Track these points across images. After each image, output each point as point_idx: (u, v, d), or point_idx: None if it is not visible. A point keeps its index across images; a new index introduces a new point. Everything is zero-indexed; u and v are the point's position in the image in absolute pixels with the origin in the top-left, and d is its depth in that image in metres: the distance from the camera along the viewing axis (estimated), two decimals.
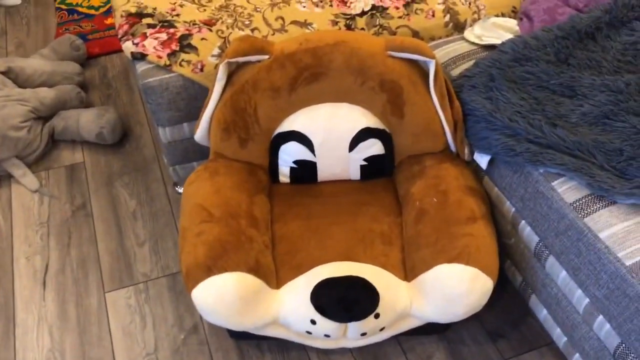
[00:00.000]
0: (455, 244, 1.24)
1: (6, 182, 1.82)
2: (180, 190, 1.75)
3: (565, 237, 1.18)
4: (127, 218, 1.70)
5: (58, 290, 1.53)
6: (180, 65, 1.46)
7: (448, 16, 1.67)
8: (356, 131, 1.39)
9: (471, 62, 1.47)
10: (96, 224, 1.69)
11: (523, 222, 1.30)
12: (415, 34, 1.65)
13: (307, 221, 1.36)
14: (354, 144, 1.40)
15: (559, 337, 1.31)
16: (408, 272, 1.28)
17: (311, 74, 1.32)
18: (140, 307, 1.49)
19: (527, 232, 1.30)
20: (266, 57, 1.32)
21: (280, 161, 1.43)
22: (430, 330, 1.42)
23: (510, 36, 1.50)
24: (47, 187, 1.80)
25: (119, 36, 1.57)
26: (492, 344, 1.42)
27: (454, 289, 1.21)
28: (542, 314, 1.34)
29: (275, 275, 1.27)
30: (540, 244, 1.27)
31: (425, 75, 1.37)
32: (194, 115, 1.53)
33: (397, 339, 1.42)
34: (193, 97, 1.49)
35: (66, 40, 2.18)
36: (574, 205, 1.16)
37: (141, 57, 1.47)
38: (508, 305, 1.47)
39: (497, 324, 1.45)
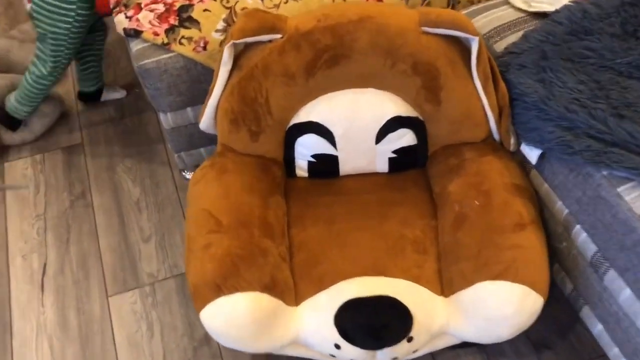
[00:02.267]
0: (500, 258, 1.07)
1: None
2: (188, 176, 1.58)
3: (632, 253, 1.00)
4: (131, 208, 1.55)
5: (57, 294, 1.41)
6: (180, 43, 1.27)
7: None
8: (384, 121, 1.20)
9: (519, 34, 1.25)
10: (97, 215, 1.55)
11: (578, 226, 1.13)
12: None
13: (328, 225, 1.20)
14: (381, 135, 1.21)
15: (617, 357, 1.15)
16: (445, 285, 1.12)
17: (331, 57, 1.12)
18: (147, 314, 1.36)
19: (583, 239, 1.12)
20: (278, 36, 1.12)
21: (296, 154, 1.26)
22: (467, 343, 1.28)
23: (565, 1, 1.27)
24: (38, 175, 1.65)
25: (111, 6, 1.37)
26: (536, 356, 1.27)
27: (499, 310, 1.05)
28: (597, 328, 1.18)
29: (293, 290, 1.12)
30: (599, 254, 1.09)
31: (465, 53, 1.16)
32: (198, 99, 1.35)
33: (432, 352, 1.28)
34: (196, 79, 1.31)
35: None
36: None
37: (135, 34, 1.28)
38: (555, 312, 1.31)
39: (542, 333, 1.30)
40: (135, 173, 1.63)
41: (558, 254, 1.22)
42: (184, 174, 1.59)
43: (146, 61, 1.25)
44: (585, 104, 1.09)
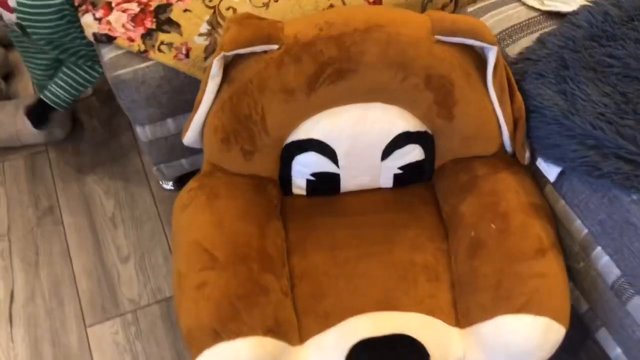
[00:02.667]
0: (521, 289, 0.99)
1: None
2: (167, 186, 1.45)
3: None
4: (105, 225, 1.42)
5: (29, 326, 1.27)
6: (160, 50, 1.12)
7: None
8: (392, 137, 1.09)
9: (532, 37, 1.15)
10: (68, 234, 1.41)
11: (599, 248, 1.05)
12: None
13: (332, 252, 1.10)
14: (388, 151, 1.11)
15: None
16: (461, 316, 1.04)
17: (336, 71, 1.00)
18: (130, 345, 1.24)
19: (605, 262, 1.05)
20: (275, 47, 0.99)
21: (294, 172, 1.14)
22: None
23: (582, 1, 1.17)
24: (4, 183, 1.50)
25: (76, 4, 1.20)
26: None
27: (522, 345, 0.98)
28: (615, 352, 1.12)
29: (297, 328, 1.02)
30: (623, 279, 1.03)
31: (479, 61, 1.06)
32: (180, 110, 1.21)
33: None
34: (178, 89, 1.17)
35: None
36: None
37: (107, 40, 1.12)
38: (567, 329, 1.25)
39: None
40: (108, 184, 1.49)
41: (574, 273, 1.15)
42: (163, 185, 1.46)
43: (121, 72, 1.11)
44: (611, 119, 1.00)
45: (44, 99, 1.43)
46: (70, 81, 1.40)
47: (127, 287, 1.32)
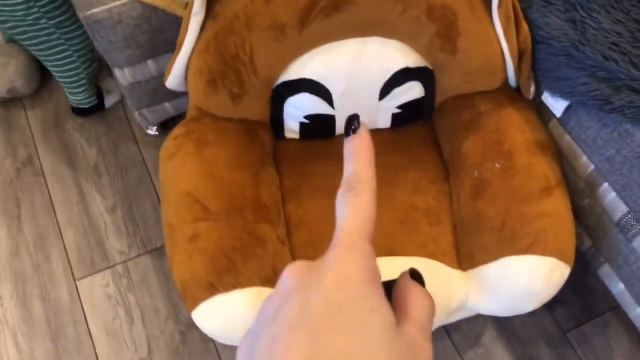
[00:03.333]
0: (528, 229, 0.95)
1: None
2: (151, 131, 1.38)
3: None
4: (89, 174, 1.35)
5: (16, 282, 1.23)
6: None
7: None
8: (390, 74, 1.02)
9: None
10: (50, 184, 1.34)
11: (606, 184, 1.02)
12: None
13: (329, 199, 1.01)
14: (386, 90, 1.04)
15: (639, 317, 1.09)
16: (463, 258, 1.01)
17: (330, 3, 0.92)
18: (123, 298, 1.21)
19: (611, 198, 1.02)
20: None
21: (286, 115, 1.08)
22: None
23: None
24: None
25: None
26: (549, 314, 1.21)
27: (527, 286, 0.95)
28: (618, 288, 1.11)
29: None
30: (630, 215, 0.99)
31: None
32: (160, 50, 1.12)
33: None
34: (157, 28, 1.08)
35: None
36: None
37: None
38: None
39: None
40: (89, 131, 1.41)
41: (577, 210, 1.12)
42: (147, 130, 1.39)
43: (94, 10, 1.01)
44: (625, 49, 0.94)
45: (76, 106, 1.41)
46: (66, 78, 1.33)
47: (115, 238, 1.28)
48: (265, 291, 0.93)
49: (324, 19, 0.93)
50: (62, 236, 1.28)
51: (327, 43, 0.98)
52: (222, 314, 0.92)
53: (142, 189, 1.34)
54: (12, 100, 1.45)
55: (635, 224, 1.00)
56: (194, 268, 0.92)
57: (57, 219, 1.30)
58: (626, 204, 0.99)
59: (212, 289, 0.91)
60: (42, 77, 1.48)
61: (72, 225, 1.29)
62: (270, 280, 0.94)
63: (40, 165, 1.37)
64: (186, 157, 1.01)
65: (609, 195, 1.02)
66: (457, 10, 0.95)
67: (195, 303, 0.92)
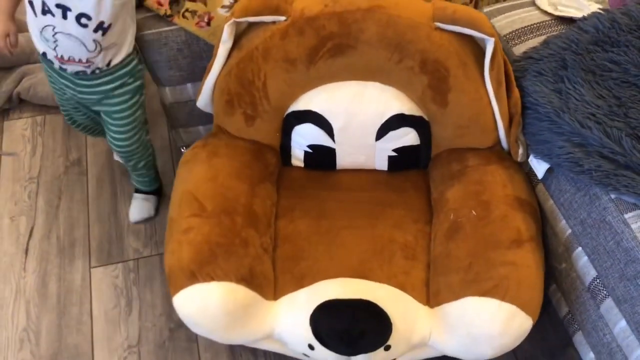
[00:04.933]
0: (491, 274, 1.01)
1: None
2: (184, 150, 1.54)
3: (632, 284, 0.94)
4: (125, 181, 1.52)
5: (41, 260, 1.38)
6: (184, 16, 1.21)
7: None
8: (386, 117, 1.14)
9: (541, 39, 1.18)
10: (90, 184, 1.52)
11: (579, 249, 1.06)
12: None
13: (317, 221, 1.15)
14: (382, 132, 1.15)
15: None
16: (431, 296, 1.07)
17: (336, 45, 1.06)
18: (127, 290, 1.33)
19: (583, 263, 1.06)
20: (282, 18, 1.06)
21: (293, 143, 1.20)
22: (449, 357, 1.23)
23: (594, 8, 1.19)
24: (36, 137, 1.62)
25: None
26: None
27: (484, 328, 1.00)
28: (588, 356, 1.11)
29: (272, 284, 1.07)
30: (598, 280, 1.03)
31: (479, 54, 1.09)
32: (198, 76, 1.29)
33: None
34: (197, 55, 1.26)
35: None
36: None
37: (138, 2, 1.22)
38: (547, 333, 1.25)
39: (531, 353, 1.24)
40: None
41: (557, 274, 1.15)
42: (183, 150, 1.55)
43: (146, 32, 1.21)
44: (600, 120, 1.02)
45: (142, 188, 1.45)
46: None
47: (134, 237, 1.42)
48: (239, 288, 1.02)
49: (329, 59, 1.07)
50: (89, 229, 1.43)
51: (332, 82, 1.12)
52: (198, 302, 1.01)
53: (168, 201, 1.48)
54: None
55: (603, 289, 1.03)
56: (182, 256, 1.03)
57: (88, 214, 1.46)
58: (594, 268, 1.03)
59: (193, 278, 1.01)
60: None
61: (100, 221, 1.45)
62: (245, 279, 1.03)
63: (86, 167, 1.55)
64: (197, 164, 1.15)
65: (581, 259, 1.06)
66: (449, 67, 1.07)
67: (177, 289, 1.03)
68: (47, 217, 1.46)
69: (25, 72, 1.65)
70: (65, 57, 1.12)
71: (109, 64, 1.15)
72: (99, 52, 1.11)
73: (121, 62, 1.16)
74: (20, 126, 1.65)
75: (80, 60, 1.12)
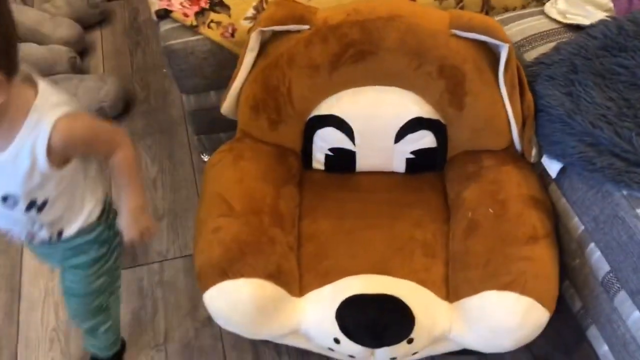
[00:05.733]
0: (509, 269, 1.05)
1: None
2: (207, 159, 1.59)
3: None
4: (147, 186, 1.57)
5: None
6: (209, 27, 1.27)
7: None
8: (405, 121, 1.19)
9: (551, 45, 1.23)
10: (113, 189, 1.56)
11: (592, 244, 1.11)
12: (486, 1, 1.40)
13: (340, 221, 1.20)
14: (401, 135, 1.20)
15: None
16: (451, 291, 1.11)
17: (357, 52, 1.12)
18: (152, 291, 1.37)
19: (597, 258, 1.10)
20: (306, 27, 1.12)
21: (314, 147, 1.25)
22: (468, 350, 1.27)
23: (601, 16, 1.25)
24: None
25: None
26: None
27: (503, 321, 1.04)
28: (602, 349, 1.16)
29: (298, 281, 1.12)
30: (611, 274, 1.07)
31: (493, 59, 1.14)
32: (222, 84, 1.34)
33: (432, 356, 1.27)
34: (221, 64, 1.31)
35: None
36: None
37: (165, 14, 1.28)
38: (561, 328, 1.28)
39: (547, 349, 1.28)
40: (155, 152, 1.65)
41: (570, 270, 1.20)
42: (202, 157, 1.60)
43: (173, 42, 1.26)
44: (611, 121, 1.07)
45: (97, 354, 1.23)
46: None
47: (157, 241, 1.46)
48: (267, 285, 1.07)
49: (351, 65, 1.13)
50: None
51: (353, 87, 1.17)
52: (228, 298, 1.06)
53: (189, 206, 1.53)
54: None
55: (616, 283, 1.07)
56: (212, 254, 1.07)
57: None
58: (608, 262, 1.08)
59: (223, 275, 1.06)
60: (126, 105, 1.75)
61: None
62: (273, 276, 1.07)
63: (108, 174, 1.60)
64: (224, 167, 1.20)
65: (594, 254, 1.11)
66: (466, 71, 1.12)
67: (207, 286, 1.07)
68: None
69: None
70: (3, 229, 0.97)
71: (60, 235, 0.97)
72: (40, 227, 0.94)
73: (78, 232, 0.98)
74: None
75: (19, 233, 0.96)
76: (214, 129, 1.47)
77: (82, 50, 1.90)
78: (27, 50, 1.71)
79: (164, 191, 1.56)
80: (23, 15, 1.81)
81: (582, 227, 1.13)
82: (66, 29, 1.84)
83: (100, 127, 0.93)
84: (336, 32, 1.11)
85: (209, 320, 1.32)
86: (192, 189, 1.56)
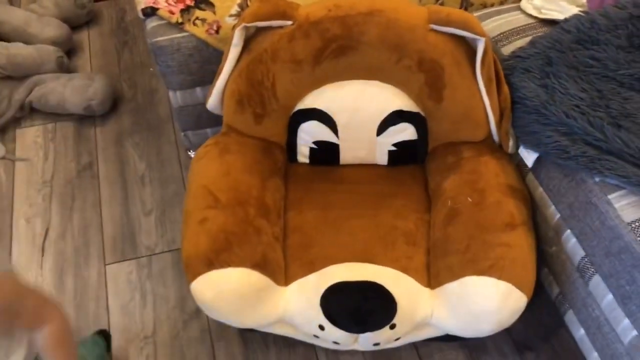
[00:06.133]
0: (488, 254, 1.09)
1: (10, 133, 1.72)
2: (192, 154, 1.62)
3: (617, 259, 1.02)
4: (135, 183, 1.59)
5: (57, 259, 1.44)
6: (194, 24, 1.30)
7: None
8: (386, 114, 1.22)
9: (527, 39, 1.27)
10: (102, 187, 1.59)
11: (568, 231, 1.14)
12: None
13: (324, 211, 1.23)
14: (382, 127, 1.24)
15: None
16: (432, 278, 1.14)
17: (339, 47, 1.15)
18: (141, 284, 1.39)
19: (572, 244, 1.14)
20: (289, 23, 1.15)
21: (299, 140, 1.28)
22: (450, 337, 1.30)
23: (575, 10, 1.29)
24: (48, 143, 1.69)
25: None
26: (518, 356, 1.29)
27: (482, 305, 1.07)
28: (579, 333, 1.19)
29: (283, 270, 1.15)
30: (586, 259, 1.11)
31: (471, 53, 1.18)
32: (207, 80, 1.37)
33: (414, 343, 1.30)
34: (206, 60, 1.34)
35: None
36: (633, 225, 1.00)
37: (152, 12, 1.31)
38: (540, 315, 1.33)
39: (526, 334, 1.32)
40: (143, 149, 1.67)
41: (547, 257, 1.24)
42: (189, 153, 1.62)
43: (159, 38, 1.29)
44: (584, 111, 1.11)
45: None
46: None
47: (146, 235, 1.48)
48: (253, 274, 1.09)
49: (333, 59, 1.16)
50: (102, 228, 1.50)
51: (336, 81, 1.20)
52: (215, 287, 1.08)
53: (176, 201, 1.55)
54: (87, 118, 1.74)
55: (590, 267, 1.11)
56: (199, 245, 1.10)
57: (101, 215, 1.52)
58: (582, 248, 1.11)
59: (210, 264, 1.08)
60: (114, 103, 1.77)
61: (112, 221, 1.51)
62: (259, 265, 1.10)
63: (97, 171, 1.62)
64: (210, 160, 1.23)
65: (570, 241, 1.15)
66: (444, 65, 1.15)
67: (195, 275, 1.10)
68: (62, 219, 1.52)
69: (37, 81, 1.72)
70: None
71: None
72: None
73: None
74: (32, 133, 1.71)
75: None
76: (200, 124, 1.49)
77: (69, 50, 1.91)
78: (14, 49, 1.73)
79: (152, 187, 1.58)
80: (10, 15, 1.83)
81: (558, 215, 1.16)
82: (54, 29, 1.86)
83: (29, 294, 0.76)
84: (318, 28, 1.14)
85: (196, 312, 1.35)
86: (180, 185, 1.59)
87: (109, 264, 1.43)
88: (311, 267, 1.14)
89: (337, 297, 1.08)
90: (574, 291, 1.17)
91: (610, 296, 1.07)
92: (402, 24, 1.13)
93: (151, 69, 1.88)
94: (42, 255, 1.45)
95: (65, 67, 1.82)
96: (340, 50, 1.15)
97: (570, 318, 1.21)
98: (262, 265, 1.10)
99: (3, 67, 1.68)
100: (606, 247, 1.04)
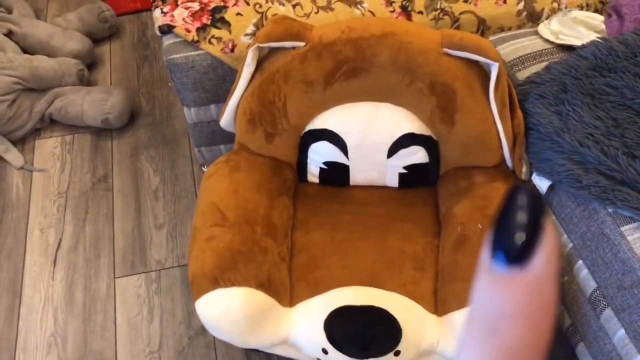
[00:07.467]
0: None
1: (30, 144, 1.75)
2: (205, 169, 1.63)
3: (629, 294, 1.00)
4: (148, 196, 1.60)
5: (68, 270, 1.46)
6: (210, 42, 1.31)
7: (522, 3, 1.44)
8: (397, 136, 1.21)
9: (542, 65, 1.26)
10: (115, 199, 1.60)
11: (580, 262, 1.12)
12: (482, 21, 1.43)
13: (331, 232, 1.22)
14: (393, 150, 1.23)
15: None
16: (439, 305, 1.13)
17: (351, 69, 1.15)
18: (149, 299, 1.40)
19: (584, 275, 1.11)
20: (302, 44, 1.15)
21: (309, 160, 1.28)
22: None
23: (593, 37, 1.27)
24: (65, 155, 1.72)
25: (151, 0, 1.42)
26: None
27: None
28: None
29: (289, 291, 1.14)
30: (598, 292, 1.08)
31: (484, 77, 1.17)
32: (222, 98, 1.39)
33: None
34: (221, 78, 1.35)
35: (95, 9, 2.01)
36: None
37: (168, 29, 1.32)
38: (551, 346, 1.30)
39: None
40: (157, 163, 1.69)
41: (559, 288, 1.21)
42: (203, 169, 1.63)
43: (175, 56, 1.30)
44: (598, 139, 1.09)
45: None
46: None
47: (156, 249, 1.49)
48: (258, 294, 1.09)
49: (344, 81, 1.15)
50: (114, 241, 1.51)
51: (347, 102, 1.20)
52: (220, 306, 1.08)
53: (188, 216, 1.56)
54: (104, 130, 1.77)
55: (602, 300, 1.08)
56: (205, 263, 1.10)
57: (113, 227, 1.54)
58: (594, 279, 1.09)
59: (215, 283, 1.08)
60: (132, 116, 1.79)
61: (124, 233, 1.53)
62: (264, 285, 1.10)
63: (112, 183, 1.64)
64: (220, 178, 1.23)
65: (582, 272, 1.12)
66: (456, 89, 1.14)
67: (200, 293, 1.09)
68: (75, 230, 1.54)
69: (57, 94, 1.75)
70: None
71: None
72: None
73: None
74: (50, 144, 1.74)
75: None
76: (214, 141, 1.50)
77: (91, 63, 1.95)
78: (37, 62, 1.76)
79: (164, 201, 1.59)
80: (36, 29, 1.87)
81: (571, 245, 1.14)
82: (76, 42, 1.89)
83: None
84: (331, 49, 1.14)
85: (202, 329, 1.35)
86: (192, 200, 1.60)
87: (118, 277, 1.44)
88: (316, 288, 1.13)
89: (342, 321, 1.06)
90: (586, 324, 1.14)
91: (622, 331, 1.04)
92: (414, 47, 1.13)
93: (169, 84, 1.90)
94: (54, 266, 1.47)
95: (85, 80, 1.85)
96: (352, 72, 1.15)
97: (582, 351, 1.18)
98: (266, 286, 1.10)
99: (25, 80, 1.71)
100: (618, 280, 1.02)
